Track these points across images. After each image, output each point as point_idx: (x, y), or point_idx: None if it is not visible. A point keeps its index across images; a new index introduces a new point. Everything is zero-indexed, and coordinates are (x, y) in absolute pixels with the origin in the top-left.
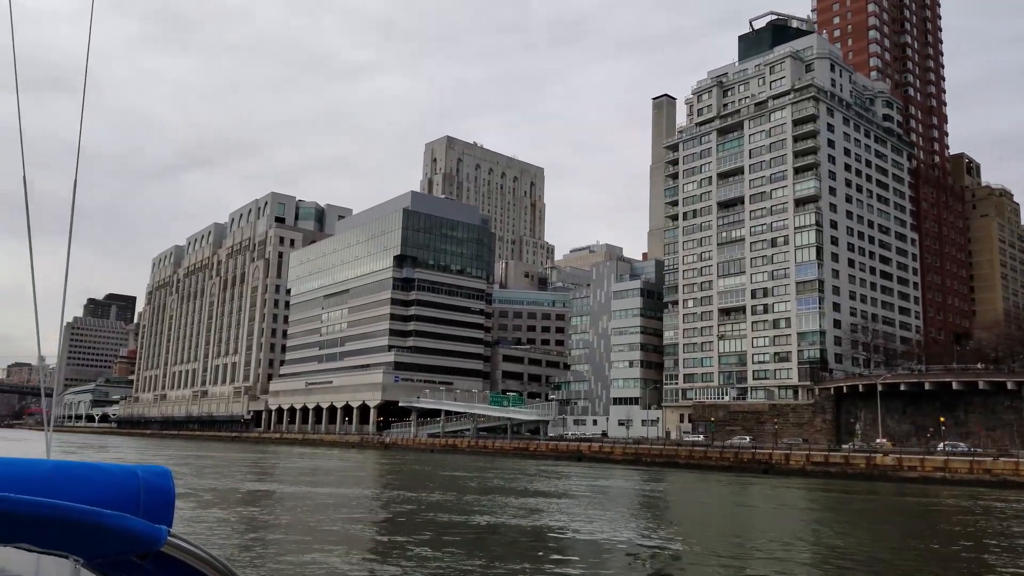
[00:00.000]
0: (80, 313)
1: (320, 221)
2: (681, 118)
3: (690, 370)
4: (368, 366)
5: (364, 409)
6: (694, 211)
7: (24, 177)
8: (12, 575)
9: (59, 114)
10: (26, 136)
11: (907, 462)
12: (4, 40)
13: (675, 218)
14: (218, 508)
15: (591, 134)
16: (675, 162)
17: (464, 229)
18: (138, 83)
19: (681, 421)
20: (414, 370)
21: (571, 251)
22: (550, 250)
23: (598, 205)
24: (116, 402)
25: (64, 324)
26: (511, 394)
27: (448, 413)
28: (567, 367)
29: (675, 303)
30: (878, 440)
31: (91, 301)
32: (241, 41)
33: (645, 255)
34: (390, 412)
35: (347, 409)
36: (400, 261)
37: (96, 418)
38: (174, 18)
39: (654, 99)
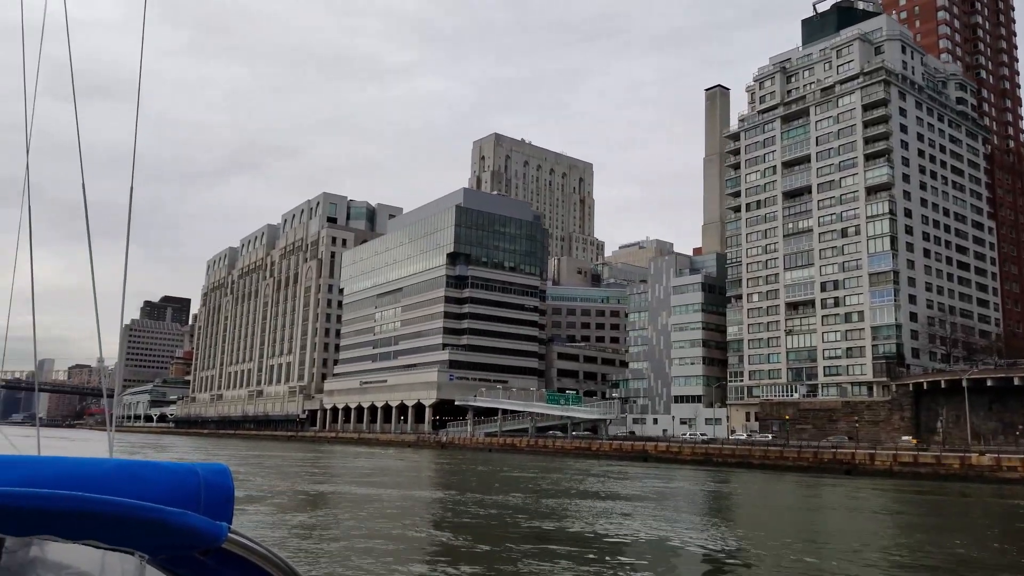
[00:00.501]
0: (137, 315)
1: (371, 220)
2: (737, 108)
3: (756, 367)
4: (422, 365)
5: (419, 408)
6: (758, 202)
7: (83, 185)
8: (82, 571)
9: (109, 122)
10: (73, 142)
11: (1007, 462)
12: (55, 51)
13: (737, 210)
14: (278, 507)
15: (629, 131)
16: (736, 152)
17: (516, 225)
18: (186, 90)
19: (747, 420)
20: (468, 368)
21: (619, 247)
22: (600, 246)
23: (640, 202)
24: (173, 402)
25: (123, 326)
26: (568, 392)
27: (505, 412)
28: (624, 364)
29: (739, 297)
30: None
31: (147, 303)
32: (284, 46)
33: (698, 249)
34: (445, 411)
35: (402, 408)
36: (453, 259)
37: (154, 418)
38: (219, 25)
39: (707, 90)
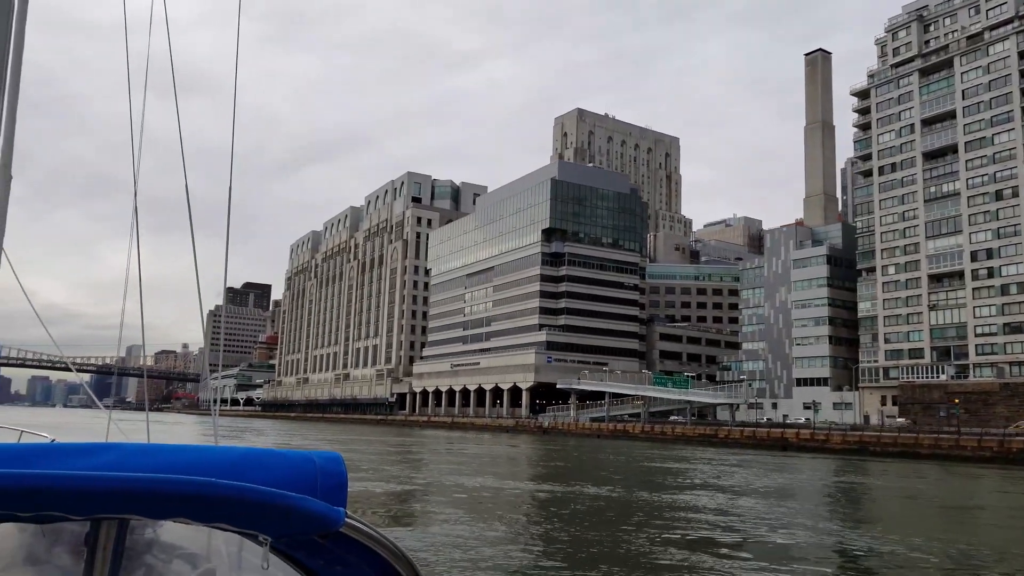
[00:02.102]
0: (220, 301)
1: (455, 200)
2: (840, 76)
3: (893, 346)
4: (517, 347)
5: (515, 391)
6: (892, 164)
7: (186, 182)
8: (191, 552)
9: (189, 115)
10: (158, 137)
11: None
12: (140, 48)
13: (867, 174)
14: (385, 495)
15: (706, 110)
16: (866, 110)
17: (614, 199)
18: (260, 82)
19: (883, 404)
20: (566, 350)
21: (704, 226)
22: (687, 224)
23: (720, 180)
24: (259, 386)
25: (219, 308)
26: (675, 375)
27: (612, 396)
28: (730, 345)
29: (871, 270)
30: None
31: (230, 290)
32: (354, 36)
33: (800, 222)
34: (541, 394)
35: (497, 391)
36: (548, 235)
37: (241, 402)
38: (292, 18)
39: (807, 55)
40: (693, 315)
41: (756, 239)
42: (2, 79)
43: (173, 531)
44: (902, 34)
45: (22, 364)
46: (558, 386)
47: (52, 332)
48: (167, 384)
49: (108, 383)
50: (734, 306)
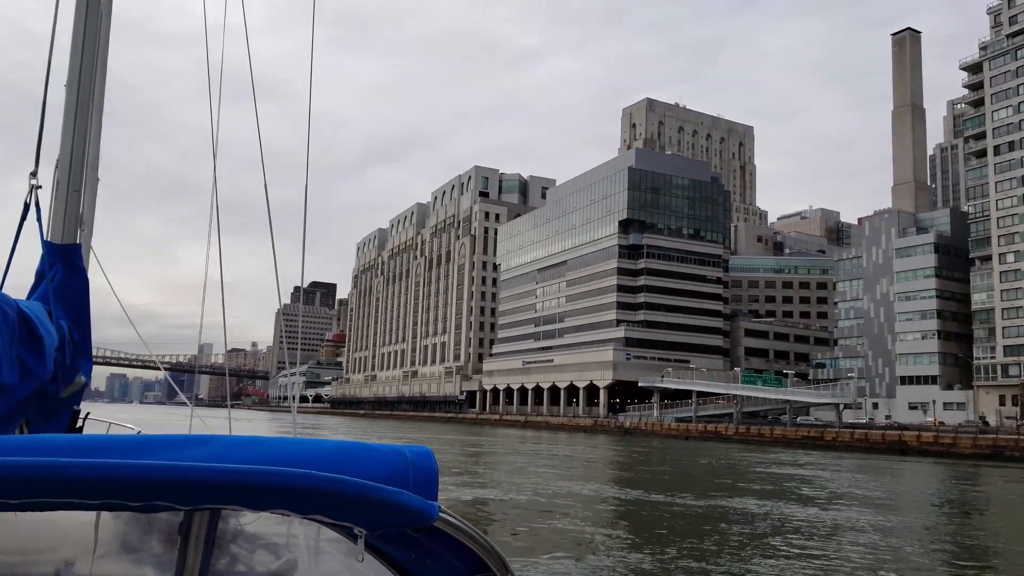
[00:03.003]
0: (288, 300)
1: (523, 194)
2: (930, 57)
3: (1013, 340)
4: (593, 343)
5: (591, 389)
6: (1010, 143)
7: (265, 186)
8: (275, 543)
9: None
10: (231, 141)
11: None
12: (215, 57)
13: (980, 154)
14: (467, 493)
15: (773, 100)
16: (977, 86)
17: (695, 187)
18: (326, 86)
19: (1001, 404)
20: (646, 347)
21: (778, 219)
22: (762, 216)
23: (791, 172)
24: (327, 383)
25: (287, 307)
26: (765, 373)
27: (700, 395)
28: (820, 342)
29: (987, 259)
30: None
31: (297, 289)
32: (417, 38)
33: (880, 212)
34: (619, 393)
35: (572, 390)
36: (626, 226)
37: (309, 398)
38: (357, 21)
39: (894, 35)
40: (778, 310)
41: (834, 231)
42: (90, 91)
43: (258, 522)
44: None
45: (106, 362)
46: (640, 384)
47: (129, 332)
48: (237, 381)
49: (181, 380)
50: (822, 300)
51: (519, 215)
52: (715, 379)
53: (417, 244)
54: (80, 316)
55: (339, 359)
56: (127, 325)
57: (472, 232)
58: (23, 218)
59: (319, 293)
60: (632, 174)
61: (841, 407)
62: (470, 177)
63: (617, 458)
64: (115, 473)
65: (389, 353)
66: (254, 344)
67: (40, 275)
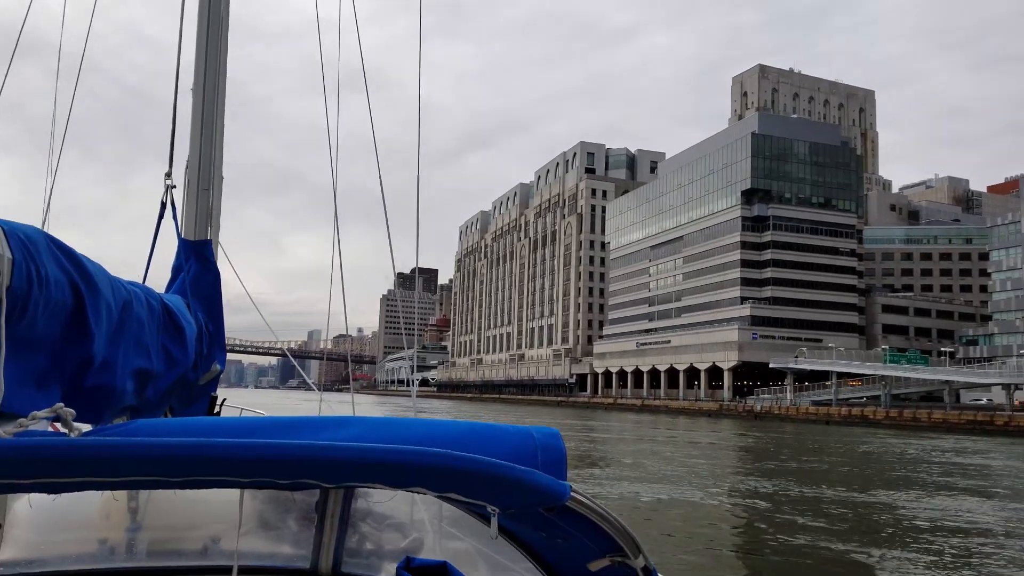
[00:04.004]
0: (391, 286)
1: (631, 169)
2: None
3: None
4: (714, 322)
5: (714, 371)
6: None
7: (380, 176)
8: (400, 521)
9: (353, 110)
10: (333, 132)
11: None
12: (312, 51)
13: None
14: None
15: (884, 67)
16: None
17: (825, 152)
18: (427, 75)
19: None
20: (773, 325)
21: (901, 189)
22: (886, 186)
23: (908, 140)
24: (433, 367)
25: (391, 293)
26: (909, 352)
27: (840, 375)
28: (968, 317)
29: None
30: None
31: (400, 275)
32: (510, 22)
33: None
34: (744, 374)
35: (691, 372)
36: (749, 197)
37: (416, 382)
38: (451, 8)
39: None
40: (916, 284)
41: (962, 200)
42: (215, 94)
43: (388, 502)
44: None
45: (231, 349)
46: (771, 365)
47: (242, 320)
48: (345, 366)
49: (291, 366)
50: (965, 271)
51: (627, 191)
52: (855, 359)
53: (521, 225)
54: (213, 308)
55: (443, 343)
56: (242, 313)
57: (578, 210)
58: (160, 216)
59: (421, 279)
60: (756, 140)
61: (1012, 388)
62: (575, 154)
63: (757, 445)
64: (267, 452)
65: (495, 336)
66: (360, 329)
67: (176, 270)
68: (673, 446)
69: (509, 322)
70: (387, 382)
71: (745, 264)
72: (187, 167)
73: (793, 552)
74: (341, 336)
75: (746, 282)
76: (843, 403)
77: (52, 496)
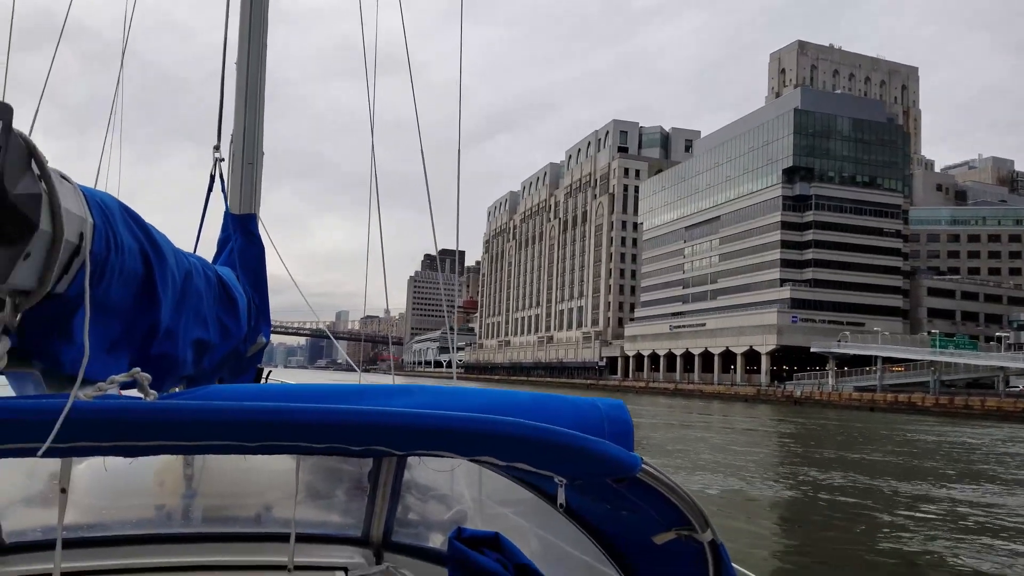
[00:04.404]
0: (418, 268)
1: (665, 147)
2: None
3: None
4: (751, 305)
5: (751, 356)
6: None
7: (423, 158)
8: (457, 493)
9: (385, 95)
10: (362, 117)
11: None
12: (336, 34)
13: None
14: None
15: (916, 48)
16: None
17: (870, 129)
18: (447, 58)
19: None
20: (814, 308)
21: (942, 169)
22: (928, 166)
23: (944, 121)
24: (461, 349)
25: (418, 275)
26: (957, 337)
27: (886, 361)
28: (1018, 301)
29: None
30: None
31: (427, 257)
32: (535, 4)
33: None
34: (782, 359)
35: (727, 356)
36: (791, 175)
37: (444, 364)
38: None
39: None
40: (962, 266)
41: (1008, 181)
42: (258, 69)
43: (430, 473)
44: None
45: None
46: (812, 350)
47: (272, 300)
48: (373, 347)
49: (321, 346)
50: (1015, 254)
51: (661, 171)
52: (899, 343)
53: (550, 206)
54: (258, 281)
55: (470, 325)
56: (275, 293)
57: (610, 190)
58: (209, 190)
59: (448, 260)
60: (798, 116)
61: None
62: (607, 132)
63: (802, 432)
64: (344, 417)
65: (523, 318)
66: (387, 311)
67: (222, 243)
68: (712, 431)
69: (538, 304)
70: (414, 363)
71: (785, 245)
72: (231, 141)
73: (866, 549)
74: (369, 317)
75: (786, 264)
76: (888, 389)
77: (111, 463)
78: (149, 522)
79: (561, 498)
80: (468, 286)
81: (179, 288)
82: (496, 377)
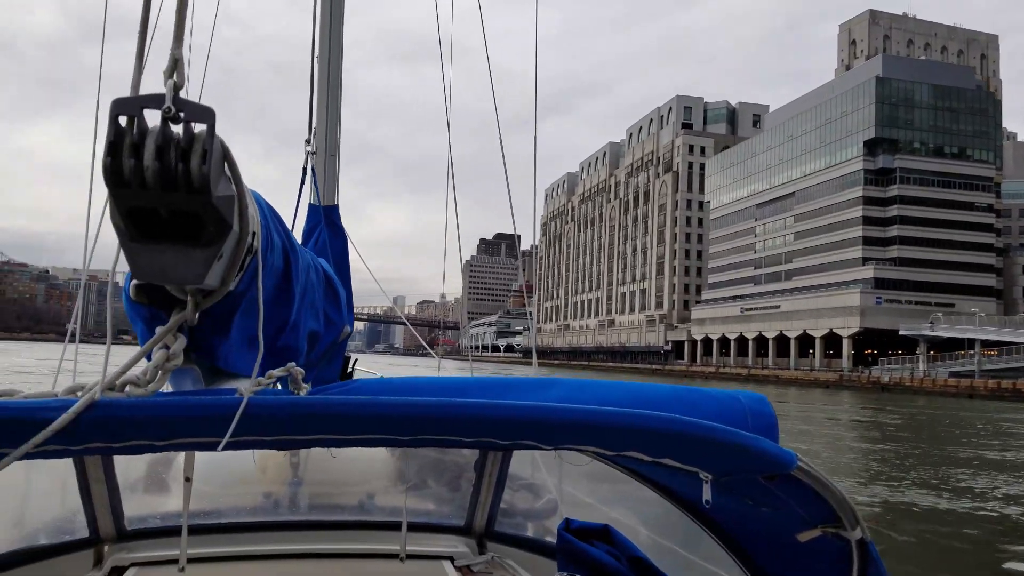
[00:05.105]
0: (475, 252)
1: (732, 123)
2: None
3: None
4: (831, 285)
5: (831, 339)
6: None
7: (501, 142)
8: (543, 484)
9: (426, 81)
10: (405, 103)
11: None
12: (406, 24)
13: None
14: None
15: (982, 18)
16: None
17: (958, 97)
18: (497, 42)
19: None
20: (899, 288)
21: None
22: (1010, 137)
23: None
24: (518, 333)
25: (474, 259)
26: None
27: (988, 344)
28: None
29: None
30: None
31: (482, 241)
32: None
33: None
34: (865, 342)
35: (804, 339)
36: (872, 147)
37: (502, 348)
38: None
39: None
40: None
41: None
42: (339, 62)
43: (533, 464)
44: None
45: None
46: (901, 332)
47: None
48: (429, 331)
49: (378, 331)
50: None
51: (728, 147)
52: (997, 325)
53: (610, 186)
54: (343, 271)
55: (528, 309)
56: None
57: (674, 168)
58: (302, 183)
59: (504, 244)
60: (880, 84)
61: None
62: (670, 108)
63: (902, 422)
64: (497, 413)
65: (583, 302)
66: (442, 296)
67: (308, 235)
68: (804, 422)
69: (598, 287)
70: (472, 348)
71: (868, 221)
72: (314, 134)
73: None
74: (425, 302)
75: (868, 241)
76: (989, 374)
77: (226, 453)
78: (260, 509)
79: (707, 495)
80: (524, 270)
81: (303, 282)
82: (556, 362)
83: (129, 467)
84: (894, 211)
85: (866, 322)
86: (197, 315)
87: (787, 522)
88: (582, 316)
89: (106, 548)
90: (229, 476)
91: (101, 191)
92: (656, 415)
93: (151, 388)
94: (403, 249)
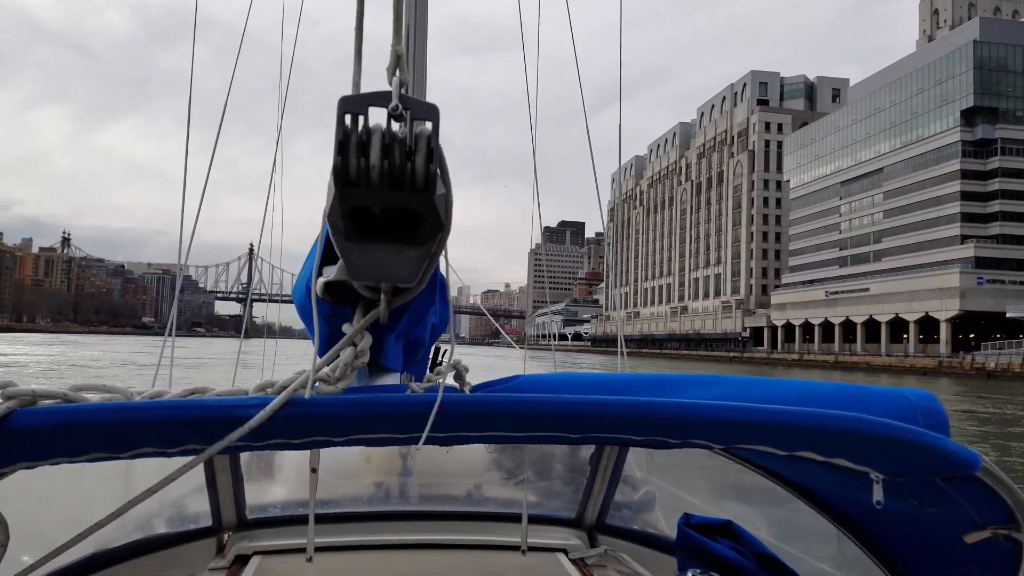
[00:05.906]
0: (539, 240)
1: (810, 99)
2: None
3: None
4: (926, 265)
5: (926, 323)
6: None
7: (587, 130)
8: (637, 479)
9: (495, 72)
10: (475, 94)
11: None
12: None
13: None
14: None
15: None
16: None
17: None
18: (556, 30)
19: None
20: (1002, 267)
21: None
22: None
23: None
24: (585, 320)
25: (539, 247)
26: None
27: None
28: None
29: None
30: None
31: (547, 229)
32: None
33: None
34: (965, 326)
35: (897, 323)
36: (970, 117)
37: (569, 337)
38: None
39: None
40: None
41: None
42: (423, 65)
43: (646, 459)
44: None
45: None
46: (1009, 315)
47: None
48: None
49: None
50: None
51: (807, 123)
52: None
53: (681, 168)
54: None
55: (594, 296)
56: None
57: (749, 147)
58: None
59: (568, 232)
60: (978, 49)
61: None
62: (744, 85)
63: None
64: (668, 411)
65: (653, 288)
66: (507, 285)
67: None
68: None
69: (669, 272)
70: (539, 336)
71: (966, 197)
72: None
73: None
74: (489, 291)
75: (967, 218)
76: None
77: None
78: (375, 500)
79: (878, 495)
80: (589, 257)
81: (432, 278)
82: (627, 350)
83: (251, 459)
84: (995, 185)
85: (967, 304)
86: (388, 313)
87: (954, 524)
88: (653, 303)
89: (228, 537)
90: (340, 468)
91: (194, 191)
92: (835, 414)
93: (340, 386)
94: (468, 239)
